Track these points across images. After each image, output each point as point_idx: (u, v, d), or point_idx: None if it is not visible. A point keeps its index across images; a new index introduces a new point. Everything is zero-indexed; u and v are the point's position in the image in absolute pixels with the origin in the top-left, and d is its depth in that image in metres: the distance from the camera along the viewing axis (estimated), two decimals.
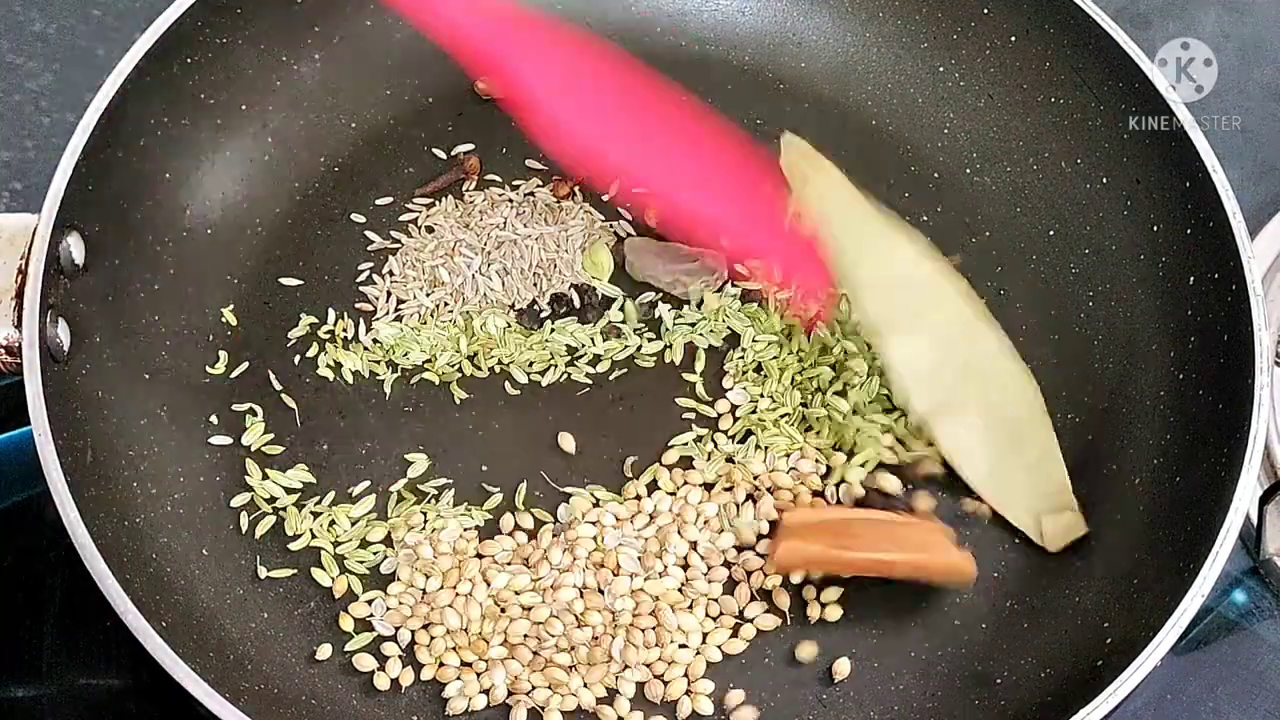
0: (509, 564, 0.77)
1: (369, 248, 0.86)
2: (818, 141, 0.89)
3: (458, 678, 0.75)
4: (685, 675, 0.75)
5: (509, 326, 0.84)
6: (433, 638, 0.75)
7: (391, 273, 0.86)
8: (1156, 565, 0.74)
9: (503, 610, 0.76)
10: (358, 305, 0.85)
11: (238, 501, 0.78)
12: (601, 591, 0.76)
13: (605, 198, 0.88)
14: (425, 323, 0.84)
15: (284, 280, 0.84)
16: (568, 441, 0.81)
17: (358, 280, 0.85)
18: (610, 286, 0.85)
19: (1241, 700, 0.80)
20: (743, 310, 0.84)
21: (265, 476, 0.79)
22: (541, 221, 0.87)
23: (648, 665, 0.75)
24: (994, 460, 0.79)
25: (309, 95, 0.88)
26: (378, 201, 0.88)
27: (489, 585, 0.76)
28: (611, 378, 0.83)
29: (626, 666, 0.75)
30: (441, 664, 0.75)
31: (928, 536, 0.74)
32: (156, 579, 0.73)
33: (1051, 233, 0.86)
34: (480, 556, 0.77)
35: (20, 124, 0.93)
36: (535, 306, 0.85)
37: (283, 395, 0.81)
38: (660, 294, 0.85)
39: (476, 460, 0.81)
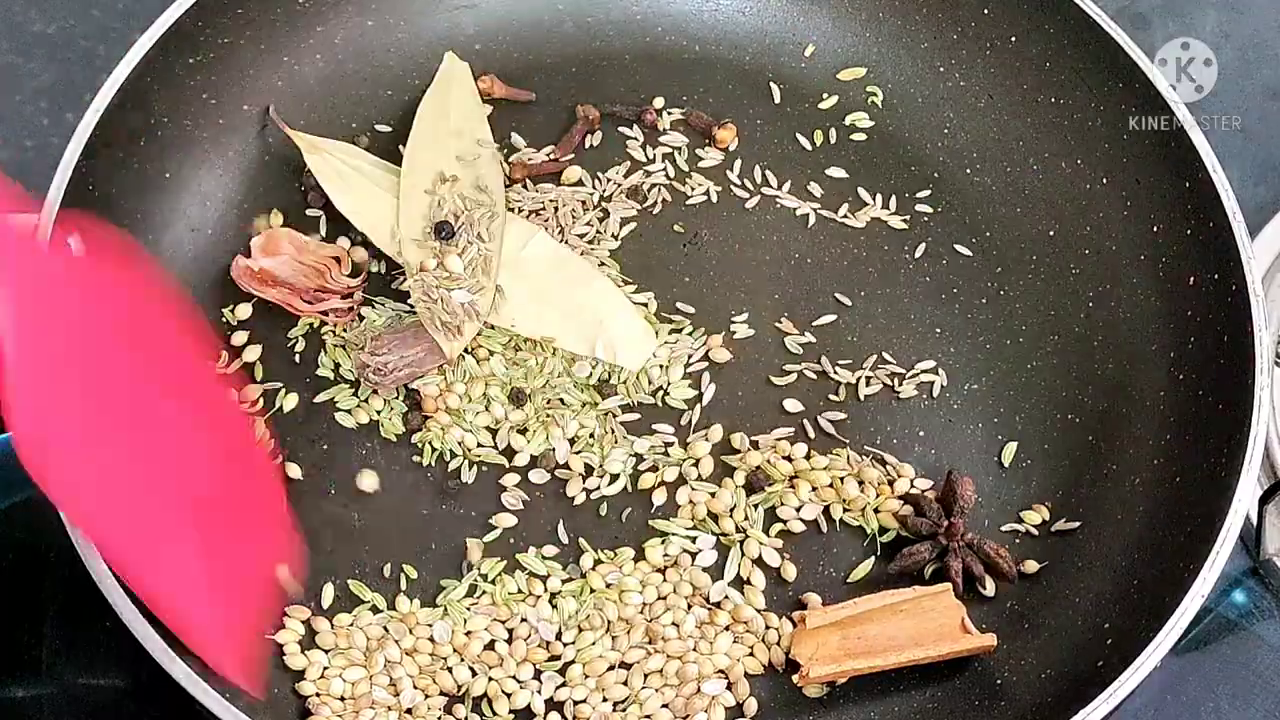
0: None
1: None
2: (820, 142, 0.89)
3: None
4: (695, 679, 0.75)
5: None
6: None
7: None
8: (1156, 565, 0.75)
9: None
10: None
11: None
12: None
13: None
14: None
15: None
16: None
17: None
18: None
19: (1241, 700, 0.80)
20: None
21: None
22: None
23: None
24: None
25: (310, 95, 0.87)
26: None
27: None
28: None
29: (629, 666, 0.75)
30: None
31: (944, 619, 0.74)
32: None
33: (1051, 233, 0.86)
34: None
35: (20, 124, 0.93)
36: None
37: (282, 395, 0.81)
38: None
39: None
